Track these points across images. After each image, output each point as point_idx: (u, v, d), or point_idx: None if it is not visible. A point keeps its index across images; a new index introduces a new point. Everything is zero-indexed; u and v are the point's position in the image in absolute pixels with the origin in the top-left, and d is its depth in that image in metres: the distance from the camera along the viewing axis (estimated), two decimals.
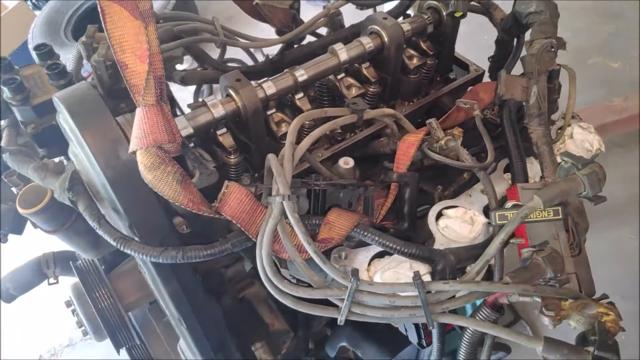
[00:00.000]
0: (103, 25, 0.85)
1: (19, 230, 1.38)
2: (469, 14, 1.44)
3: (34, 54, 1.29)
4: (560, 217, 0.95)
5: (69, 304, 1.34)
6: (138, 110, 0.89)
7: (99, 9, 0.84)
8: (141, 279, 1.42)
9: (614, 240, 2.75)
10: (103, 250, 1.38)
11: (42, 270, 1.70)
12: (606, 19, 4.01)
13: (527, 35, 1.35)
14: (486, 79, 1.62)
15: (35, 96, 1.20)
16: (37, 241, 1.54)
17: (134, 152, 0.92)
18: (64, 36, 3.69)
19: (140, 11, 0.86)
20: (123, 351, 1.43)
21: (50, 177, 1.09)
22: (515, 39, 1.51)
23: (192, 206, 0.96)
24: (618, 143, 3.15)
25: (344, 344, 1.52)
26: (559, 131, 1.31)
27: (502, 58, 1.57)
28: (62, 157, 1.28)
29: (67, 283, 1.61)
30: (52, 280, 1.72)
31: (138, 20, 0.86)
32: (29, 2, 4.20)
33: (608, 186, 0.96)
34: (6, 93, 1.16)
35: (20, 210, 1.17)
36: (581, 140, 1.28)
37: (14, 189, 1.24)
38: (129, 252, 1.01)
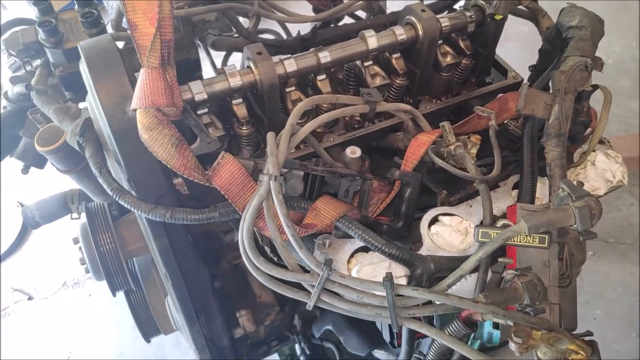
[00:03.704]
0: None
1: (40, 165, 1.46)
2: None
3: None
4: (546, 245, 0.91)
5: (76, 240, 1.42)
6: (142, 71, 0.92)
7: None
8: None
9: None
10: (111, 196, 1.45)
11: (67, 204, 1.80)
12: None
13: None
14: None
15: (68, 41, 1.25)
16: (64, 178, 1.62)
17: (135, 110, 0.95)
18: None
19: None
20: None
21: (67, 121, 1.14)
22: (559, 51, 1.43)
23: (183, 171, 0.99)
24: None
25: (329, 327, 1.54)
26: (583, 155, 1.25)
27: (543, 69, 1.49)
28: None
29: None
30: (75, 215, 1.83)
31: None
32: None
33: None
34: (41, 34, 1.21)
35: (37, 148, 1.24)
36: (603, 169, 1.21)
37: (38, 126, 1.32)
38: (122, 203, 1.05)
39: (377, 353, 1.57)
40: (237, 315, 1.42)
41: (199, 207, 1.10)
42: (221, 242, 1.45)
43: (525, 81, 1.55)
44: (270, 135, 1.05)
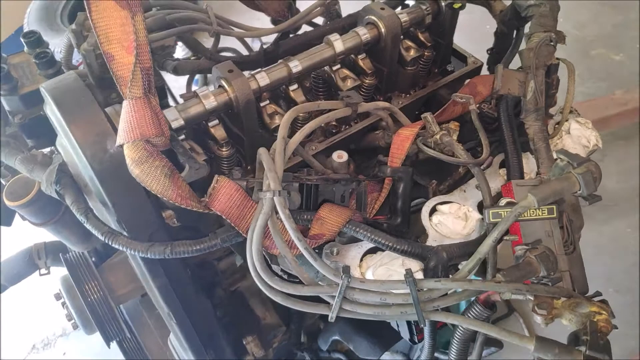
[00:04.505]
0: (88, 15, 0.83)
1: (7, 222, 1.36)
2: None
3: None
4: (555, 215, 0.93)
5: (58, 296, 1.33)
6: (125, 103, 0.87)
7: None
8: (133, 270, 1.40)
9: (611, 233, 2.74)
10: (93, 243, 1.37)
11: (33, 260, 1.68)
12: (612, 10, 3.96)
13: (527, 28, 1.32)
14: (484, 71, 1.60)
15: (24, 86, 1.18)
16: (29, 232, 1.51)
17: (121, 146, 0.90)
18: (60, 22, 3.63)
19: (127, 1, 0.84)
20: (114, 344, 1.43)
21: (38, 170, 1.07)
22: (515, 32, 1.49)
23: (180, 201, 0.95)
24: (619, 136, 3.13)
25: (336, 337, 1.52)
26: (557, 126, 1.29)
27: (500, 51, 1.55)
28: (52, 148, 1.26)
29: (60, 273, 1.59)
30: (43, 271, 1.71)
31: (125, 10, 0.83)
32: None
33: (607, 179, 0.94)
34: None
35: (7, 203, 1.15)
36: (578, 136, 1.26)
37: (2, 181, 1.22)
38: (117, 246, 0.99)
39: None
40: (244, 342, 1.37)
41: (193, 237, 1.05)
42: (215, 269, 1.40)
43: (485, 64, 1.60)
44: (262, 151, 1.02)
